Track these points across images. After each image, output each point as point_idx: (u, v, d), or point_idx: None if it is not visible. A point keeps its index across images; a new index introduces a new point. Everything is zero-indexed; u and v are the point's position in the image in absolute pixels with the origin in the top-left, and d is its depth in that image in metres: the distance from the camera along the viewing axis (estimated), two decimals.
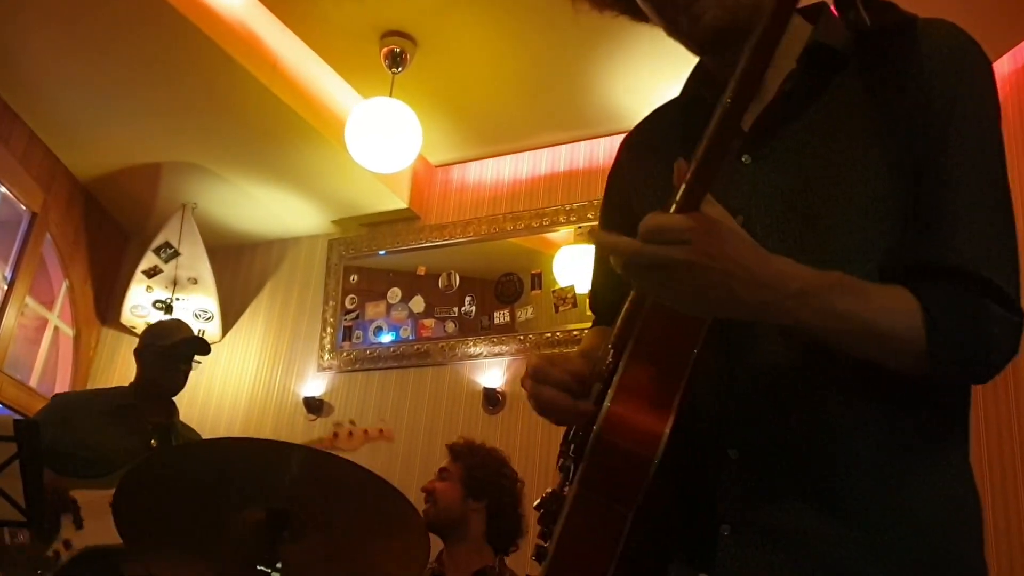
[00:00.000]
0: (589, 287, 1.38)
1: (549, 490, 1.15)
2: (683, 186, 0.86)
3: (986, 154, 0.98)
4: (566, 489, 1.11)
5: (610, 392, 0.92)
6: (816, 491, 0.96)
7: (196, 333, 3.82)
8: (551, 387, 1.02)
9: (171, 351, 3.18)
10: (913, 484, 0.95)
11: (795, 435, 0.98)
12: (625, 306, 1.00)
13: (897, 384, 0.95)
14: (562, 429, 1.19)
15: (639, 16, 1.16)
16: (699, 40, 1.08)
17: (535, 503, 1.15)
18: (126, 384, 3.27)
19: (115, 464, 2.83)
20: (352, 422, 2.91)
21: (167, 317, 4.21)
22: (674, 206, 0.86)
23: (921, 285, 0.92)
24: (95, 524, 2.75)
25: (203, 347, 3.33)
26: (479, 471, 2.90)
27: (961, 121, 0.97)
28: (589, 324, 1.44)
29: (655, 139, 1.24)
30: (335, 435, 2.86)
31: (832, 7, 1.12)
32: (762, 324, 0.96)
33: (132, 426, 3.05)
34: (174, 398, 3.27)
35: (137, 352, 3.25)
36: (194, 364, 3.33)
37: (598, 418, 0.90)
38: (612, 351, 1.00)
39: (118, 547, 2.67)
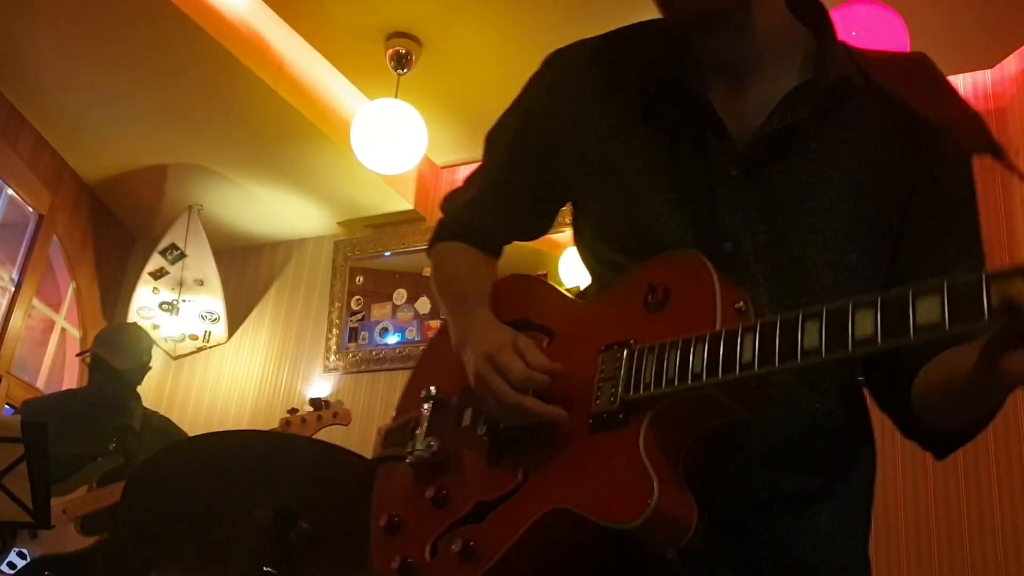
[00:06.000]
0: (472, 201, 1.28)
1: (431, 448, 1.11)
2: None
3: (977, 203, 1.06)
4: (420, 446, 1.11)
5: (651, 479, 0.89)
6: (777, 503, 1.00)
7: (153, 338, 3.69)
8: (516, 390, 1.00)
9: (121, 375, 3.15)
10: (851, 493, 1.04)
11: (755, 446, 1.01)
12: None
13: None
14: None
15: None
16: (692, 16, 1.02)
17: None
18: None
19: (65, 472, 2.84)
20: (297, 410, 2.82)
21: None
22: None
23: None
24: (49, 534, 2.74)
25: (139, 371, 3.24)
26: None
27: (970, 178, 1.05)
28: None
29: (610, 103, 1.11)
30: (287, 423, 2.80)
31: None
32: None
33: (86, 432, 3.03)
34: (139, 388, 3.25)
35: (92, 360, 3.21)
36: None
37: (646, 511, 0.86)
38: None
39: (68, 555, 2.73)
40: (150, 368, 3.35)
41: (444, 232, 1.31)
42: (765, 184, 1.01)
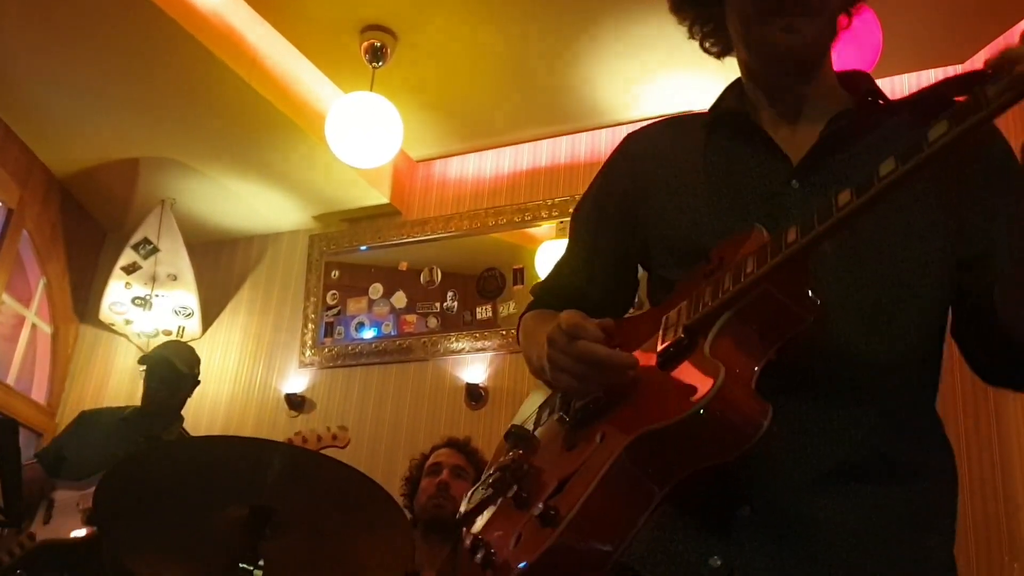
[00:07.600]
0: (558, 269, 1.39)
1: (511, 455, 1.13)
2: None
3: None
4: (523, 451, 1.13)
5: (717, 364, 0.92)
6: (838, 479, 1.00)
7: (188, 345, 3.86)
8: (587, 340, 1.03)
9: (178, 379, 3.37)
10: (928, 488, 1.05)
11: (821, 419, 1.02)
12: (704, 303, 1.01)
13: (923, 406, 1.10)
14: None
15: (708, 27, 1.23)
16: (786, 52, 1.13)
17: (502, 464, 1.13)
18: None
19: (91, 468, 2.99)
20: (299, 433, 2.91)
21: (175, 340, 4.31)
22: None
23: None
24: (60, 521, 2.95)
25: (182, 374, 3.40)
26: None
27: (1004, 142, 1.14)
28: None
29: (676, 151, 1.26)
30: (290, 443, 2.89)
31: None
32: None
33: (123, 437, 3.19)
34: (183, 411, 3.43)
35: (155, 363, 3.41)
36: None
37: (712, 389, 0.89)
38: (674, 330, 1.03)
39: (70, 542, 2.92)
40: (199, 383, 3.52)
41: (529, 305, 1.39)
42: (823, 188, 1.09)
